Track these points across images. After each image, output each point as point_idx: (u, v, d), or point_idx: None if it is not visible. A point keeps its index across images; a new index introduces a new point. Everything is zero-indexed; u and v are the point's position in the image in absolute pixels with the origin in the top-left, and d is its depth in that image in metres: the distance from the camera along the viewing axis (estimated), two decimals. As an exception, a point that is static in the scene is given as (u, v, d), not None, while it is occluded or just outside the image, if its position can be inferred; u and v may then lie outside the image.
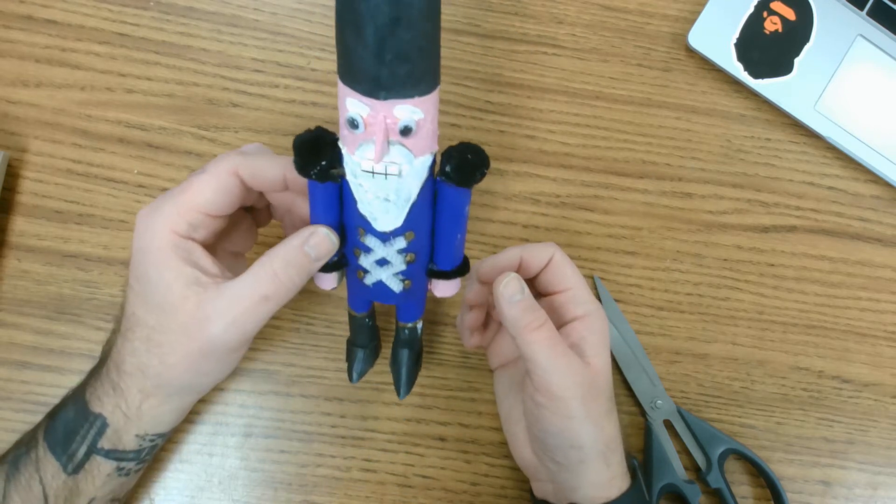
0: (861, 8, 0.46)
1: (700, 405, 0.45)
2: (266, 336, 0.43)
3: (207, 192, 0.32)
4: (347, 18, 0.27)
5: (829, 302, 0.46)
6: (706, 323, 0.45)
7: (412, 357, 0.38)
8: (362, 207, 0.31)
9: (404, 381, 0.38)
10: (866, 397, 0.46)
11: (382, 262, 0.33)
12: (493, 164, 0.44)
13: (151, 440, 0.35)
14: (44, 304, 0.42)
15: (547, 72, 0.46)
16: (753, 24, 0.46)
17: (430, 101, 0.29)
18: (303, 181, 0.32)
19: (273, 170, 0.33)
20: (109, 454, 0.34)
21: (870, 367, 0.46)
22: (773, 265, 0.46)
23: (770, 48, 0.46)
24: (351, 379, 0.38)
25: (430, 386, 0.43)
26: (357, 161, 0.30)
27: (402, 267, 0.33)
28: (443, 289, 0.35)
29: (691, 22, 0.46)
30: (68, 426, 0.34)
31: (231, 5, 0.45)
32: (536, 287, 0.38)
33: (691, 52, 0.47)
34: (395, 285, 0.34)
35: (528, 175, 0.45)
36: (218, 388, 0.42)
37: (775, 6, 0.46)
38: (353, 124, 0.29)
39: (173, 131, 0.44)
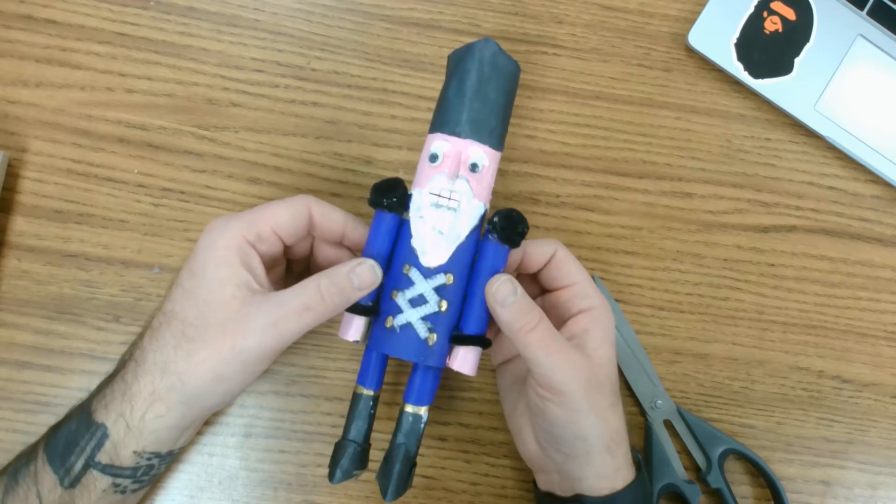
0: (861, 8, 0.46)
1: (700, 405, 0.45)
2: (266, 336, 0.43)
3: (283, 214, 0.35)
4: (454, 74, 0.36)
5: (829, 302, 0.46)
6: (706, 323, 0.45)
7: (408, 458, 0.36)
8: (415, 241, 0.35)
9: (394, 480, 0.35)
10: (866, 397, 0.46)
11: (417, 301, 0.35)
12: (493, 164, 0.45)
13: (148, 459, 0.35)
14: (44, 304, 0.42)
15: (547, 72, 0.46)
16: (753, 24, 0.46)
17: (494, 158, 0.36)
18: (358, 237, 0.37)
19: (339, 217, 0.37)
20: (106, 469, 0.34)
21: (870, 367, 0.46)
22: (773, 265, 0.46)
23: (770, 48, 0.46)
24: (331, 476, 0.36)
25: (430, 386, 0.43)
26: (426, 190, 0.35)
27: (434, 308, 0.35)
28: (462, 359, 0.35)
29: (691, 22, 0.46)
30: (69, 437, 0.34)
31: (231, 5, 0.45)
32: (541, 282, 0.38)
33: (691, 52, 0.47)
34: (422, 332, 0.35)
35: (528, 175, 0.45)
36: (218, 388, 0.42)
37: (775, 6, 0.46)
38: (433, 158, 0.36)
39: (173, 131, 0.44)
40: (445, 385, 0.43)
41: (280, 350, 0.34)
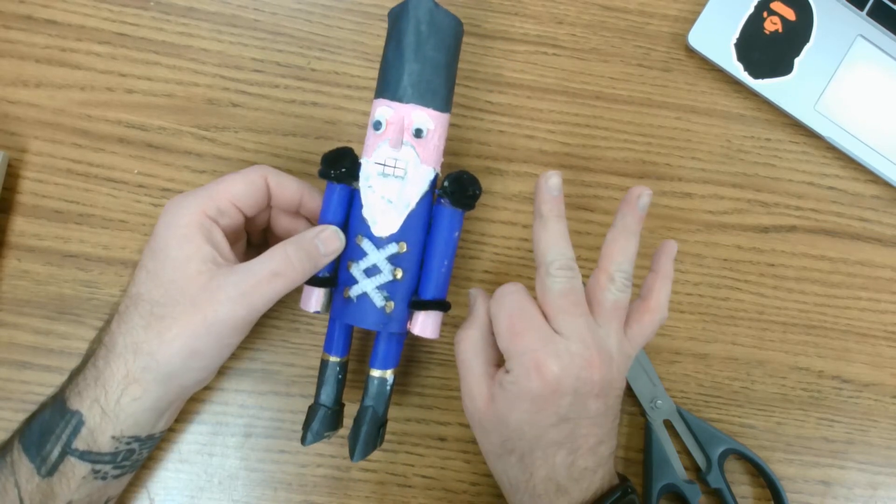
0: (861, 8, 0.46)
1: (700, 405, 0.45)
2: (266, 336, 0.43)
3: (240, 185, 0.35)
4: (392, 34, 0.36)
5: (829, 302, 0.46)
6: (706, 323, 0.45)
7: (375, 419, 0.37)
8: (366, 211, 0.35)
9: (361, 440, 0.36)
10: (866, 397, 0.46)
11: (371, 271, 0.35)
12: (493, 164, 0.45)
13: (128, 443, 0.34)
14: (44, 304, 0.42)
15: (547, 72, 0.46)
16: (753, 25, 0.46)
17: (441, 121, 0.36)
18: (315, 206, 0.37)
19: (295, 186, 0.37)
20: (84, 456, 0.33)
21: (870, 367, 0.46)
22: (773, 265, 0.46)
23: (770, 48, 0.46)
24: (303, 439, 0.37)
25: (430, 386, 0.43)
26: (372, 160, 0.35)
27: (389, 277, 0.35)
28: (422, 324, 0.36)
29: (691, 22, 0.46)
30: (44, 426, 0.34)
31: (231, 5, 0.45)
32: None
33: (691, 53, 0.47)
34: (378, 300, 0.35)
35: (528, 175, 0.45)
36: (218, 388, 0.42)
37: (775, 6, 0.46)
38: (377, 126, 0.35)
39: (173, 131, 0.44)
40: (445, 385, 0.43)
41: (252, 320, 0.34)
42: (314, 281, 0.36)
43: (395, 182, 0.35)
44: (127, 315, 0.34)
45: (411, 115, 0.35)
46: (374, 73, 0.45)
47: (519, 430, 0.34)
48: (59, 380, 0.41)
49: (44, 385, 0.41)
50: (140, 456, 0.36)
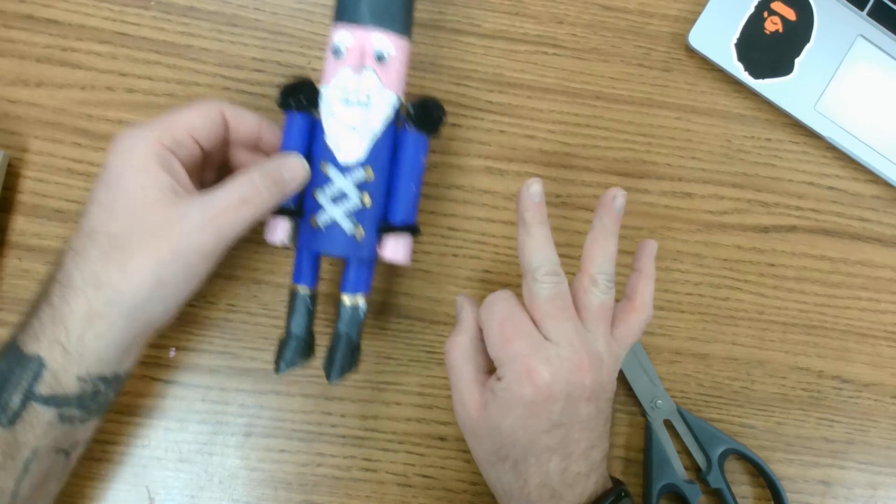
0: (861, 8, 0.46)
1: (700, 405, 0.45)
2: (266, 336, 0.43)
3: (196, 118, 0.34)
4: None
5: (829, 302, 0.46)
6: (706, 323, 0.45)
7: (350, 344, 0.37)
8: (329, 139, 0.35)
9: (337, 363, 0.37)
10: (866, 397, 0.46)
11: (339, 198, 0.35)
12: (493, 164, 0.45)
13: (94, 384, 0.33)
14: (44, 304, 0.42)
15: (547, 72, 0.46)
16: (753, 25, 0.46)
17: (402, 47, 0.36)
18: (275, 140, 0.37)
19: (253, 119, 0.36)
20: (49, 400, 0.32)
21: (870, 367, 0.46)
22: (773, 265, 0.46)
23: (770, 48, 0.46)
24: (276, 368, 0.37)
25: (430, 386, 0.43)
26: (332, 87, 0.35)
27: (357, 203, 0.35)
28: (392, 248, 0.36)
29: (691, 22, 0.46)
30: (1, 376, 0.32)
31: (231, 5, 0.45)
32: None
33: (691, 53, 0.47)
34: (347, 226, 0.35)
35: (528, 175, 0.45)
36: (218, 388, 0.42)
37: (775, 6, 0.46)
38: (336, 52, 0.35)
39: (174, 131, 0.44)
40: (445, 385, 0.43)
41: (220, 252, 0.33)
42: (280, 211, 0.36)
43: (358, 109, 0.35)
44: (83, 251, 0.32)
45: (371, 40, 0.35)
46: (375, 73, 0.45)
47: (512, 437, 0.34)
48: (59, 379, 0.42)
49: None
50: (106, 398, 0.34)
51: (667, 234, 0.46)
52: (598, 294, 0.36)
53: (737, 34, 0.46)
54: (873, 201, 0.47)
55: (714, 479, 0.42)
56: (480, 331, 0.37)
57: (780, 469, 0.44)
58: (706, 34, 0.46)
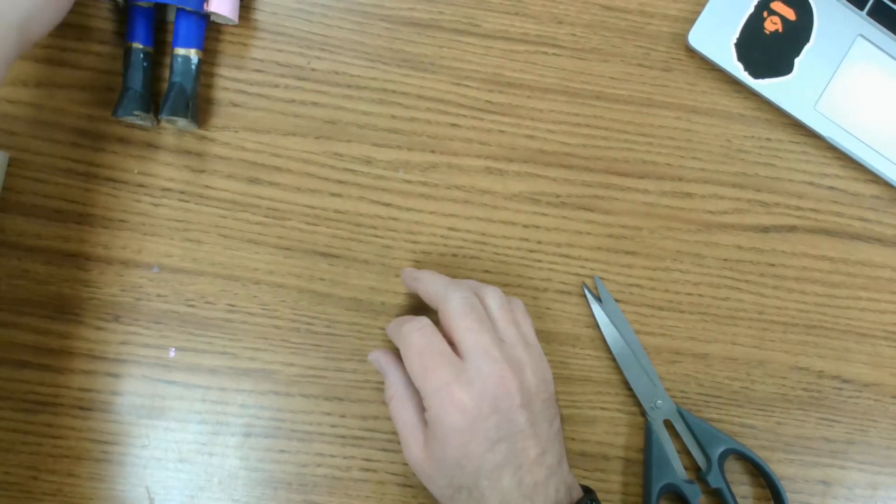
0: (861, 8, 0.46)
1: (700, 405, 0.45)
2: (266, 336, 0.43)
3: None
4: None
5: (829, 302, 0.46)
6: (706, 323, 0.45)
7: (182, 91, 0.40)
8: None
9: (170, 101, 0.40)
10: (866, 397, 0.46)
11: None
12: (493, 164, 0.45)
13: None
14: (44, 304, 0.42)
15: (547, 72, 0.46)
16: (753, 25, 0.46)
17: None
18: None
19: None
20: None
21: (870, 367, 0.46)
22: (773, 265, 0.46)
23: (770, 48, 0.46)
24: (113, 112, 0.40)
25: (430, 386, 0.43)
26: None
27: None
28: (217, 2, 0.40)
29: (691, 22, 0.46)
30: None
31: (231, 5, 0.45)
32: None
33: (691, 52, 0.47)
34: None
35: (528, 175, 0.45)
36: (218, 388, 0.42)
37: (775, 6, 0.46)
38: None
39: (173, 131, 0.44)
40: (445, 385, 0.43)
41: None
42: None
43: None
44: None
45: None
46: (375, 73, 0.45)
47: (458, 466, 0.34)
48: (58, 379, 0.42)
49: (44, 384, 0.41)
50: None
51: (667, 234, 0.46)
52: (493, 297, 0.37)
53: (736, 34, 0.46)
54: (873, 201, 0.47)
55: (714, 479, 0.42)
56: (407, 372, 0.37)
57: (780, 469, 0.44)
58: (706, 34, 0.46)
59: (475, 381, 0.34)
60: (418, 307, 0.44)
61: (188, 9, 0.41)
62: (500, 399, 0.34)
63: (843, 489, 0.45)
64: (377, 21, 0.45)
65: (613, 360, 0.44)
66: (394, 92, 0.45)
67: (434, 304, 0.37)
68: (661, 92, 0.47)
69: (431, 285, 0.38)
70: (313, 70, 0.45)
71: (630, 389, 0.44)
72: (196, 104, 0.42)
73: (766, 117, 0.47)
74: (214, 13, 0.42)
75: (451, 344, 0.36)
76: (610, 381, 0.44)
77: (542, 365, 0.37)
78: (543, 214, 0.45)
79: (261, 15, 0.45)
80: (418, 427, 0.36)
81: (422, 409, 0.36)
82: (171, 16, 0.43)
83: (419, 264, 0.44)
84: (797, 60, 0.46)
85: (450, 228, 0.44)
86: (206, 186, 0.43)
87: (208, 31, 0.43)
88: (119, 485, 0.41)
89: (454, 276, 0.44)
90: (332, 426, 0.42)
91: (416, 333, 0.36)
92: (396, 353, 0.39)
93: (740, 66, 0.46)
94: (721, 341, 0.45)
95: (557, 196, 0.45)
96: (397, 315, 0.44)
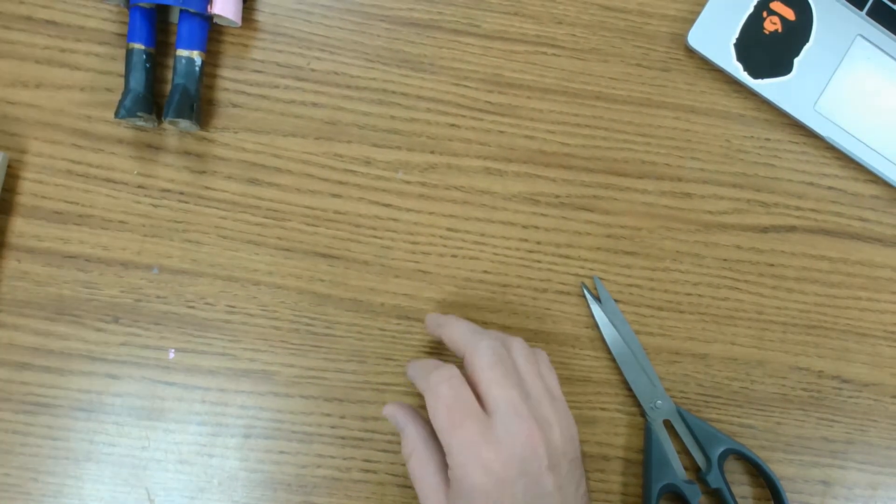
0: (861, 8, 0.46)
1: (700, 405, 0.45)
2: (266, 336, 0.43)
3: None
4: None
5: (829, 302, 0.46)
6: (706, 323, 0.45)
7: (186, 93, 0.41)
8: None
9: (174, 105, 0.40)
10: (866, 397, 0.46)
11: None
12: (493, 164, 0.45)
13: None
14: (43, 306, 0.42)
15: (547, 72, 0.46)
16: (753, 25, 0.46)
17: None
18: None
19: None
20: None
21: (870, 367, 0.46)
22: (772, 265, 0.46)
23: (770, 48, 0.46)
24: (115, 113, 0.40)
25: (430, 386, 0.43)
26: None
27: None
28: (222, 4, 0.41)
29: (691, 22, 0.46)
30: None
31: (230, 6, 0.45)
32: None
33: (691, 52, 0.47)
34: None
35: (528, 175, 0.45)
36: (218, 389, 0.42)
37: (775, 6, 0.46)
38: None
39: (172, 132, 0.44)
40: (445, 385, 0.43)
41: None
42: None
43: None
44: None
45: None
46: (375, 74, 0.45)
47: None
48: (58, 381, 0.42)
49: (44, 386, 0.41)
50: None
51: (666, 234, 0.46)
52: (519, 350, 0.36)
53: (736, 34, 0.46)
54: (873, 201, 0.47)
55: (714, 479, 0.42)
56: (426, 426, 0.36)
57: (780, 469, 0.44)
58: (705, 34, 0.46)
59: (503, 440, 0.33)
60: (417, 310, 0.44)
61: (192, 10, 0.41)
62: (527, 461, 0.33)
63: (843, 489, 0.45)
64: (377, 21, 0.45)
65: (613, 360, 0.44)
66: (393, 92, 0.45)
67: (459, 352, 0.36)
68: (660, 92, 0.47)
69: (458, 332, 0.37)
70: (313, 71, 0.45)
71: (630, 390, 0.44)
72: (200, 106, 0.42)
73: (765, 117, 0.47)
74: (218, 15, 0.42)
75: (476, 394, 0.34)
76: (609, 381, 0.44)
77: (568, 422, 0.35)
78: (543, 215, 0.45)
79: (261, 16, 0.45)
80: (440, 487, 0.34)
81: (443, 466, 0.35)
82: (174, 17, 0.43)
83: (418, 264, 0.44)
84: (796, 60, 0.46)
85: (449, 229, 0.44)
86: (206, 187, 0.43)
87: (208, 32, 0.43)
88: (119, 486, 0.41)
89: (454, 277, 0.44)
90: (332, 427, 0.42)
91: (444, 385, 0.34)
92: (410, 406, 0.38)
93: (740, 66, 0.46)
94: (721, 341, 0.45)
95: (557, 196, 0.45)
96: (397, 316, 0.44)
